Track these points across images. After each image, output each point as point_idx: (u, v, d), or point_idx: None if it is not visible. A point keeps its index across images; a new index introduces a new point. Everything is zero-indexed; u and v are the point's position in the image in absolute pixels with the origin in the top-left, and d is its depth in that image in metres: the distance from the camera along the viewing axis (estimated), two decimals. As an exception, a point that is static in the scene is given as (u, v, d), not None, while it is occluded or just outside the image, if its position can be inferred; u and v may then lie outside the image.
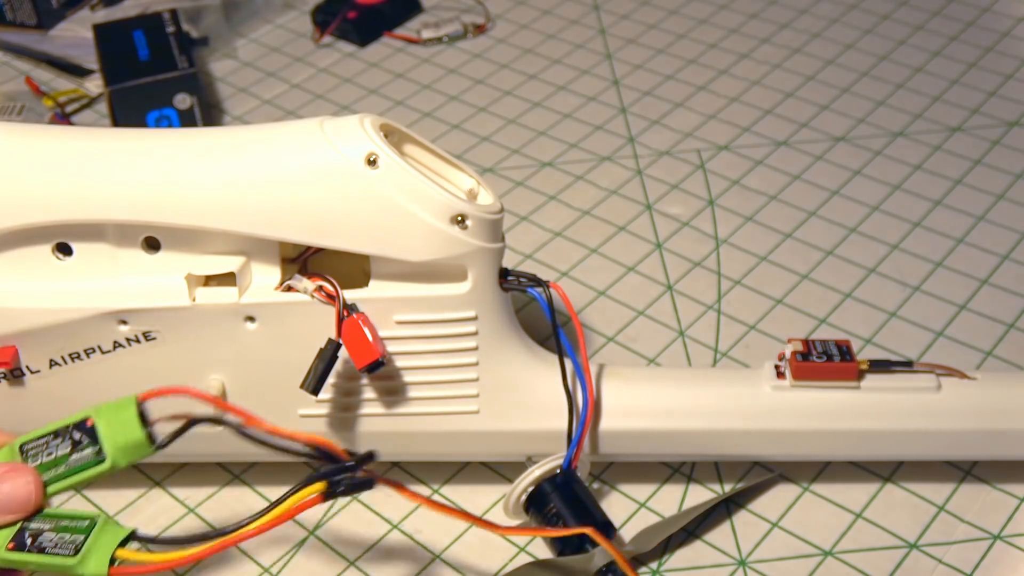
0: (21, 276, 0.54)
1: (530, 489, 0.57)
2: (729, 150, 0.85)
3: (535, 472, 0.56)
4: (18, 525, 0.44)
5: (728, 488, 0.61)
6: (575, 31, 0.99)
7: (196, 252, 0.54)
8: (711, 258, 0.75)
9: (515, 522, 0.58)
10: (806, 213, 0.79)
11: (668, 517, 0.59)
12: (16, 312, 0.54)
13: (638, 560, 0.57)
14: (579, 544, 0.56)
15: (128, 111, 0.84)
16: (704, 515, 0.60)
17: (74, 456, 0.45)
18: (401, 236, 0.52)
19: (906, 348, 0.68)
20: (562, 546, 0.56)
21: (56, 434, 0.45)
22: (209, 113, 0.89)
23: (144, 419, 0.45)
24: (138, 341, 0.54)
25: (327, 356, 0.53)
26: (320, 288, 0.54)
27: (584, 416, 0.56)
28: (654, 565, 0.58)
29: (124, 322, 0.54)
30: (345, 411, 0.56)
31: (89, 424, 0.45)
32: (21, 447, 0.45)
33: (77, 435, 0.45)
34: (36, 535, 0.44)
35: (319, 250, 0.56)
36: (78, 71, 0.95)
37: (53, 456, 0.45)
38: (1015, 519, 0.59)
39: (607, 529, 0.56)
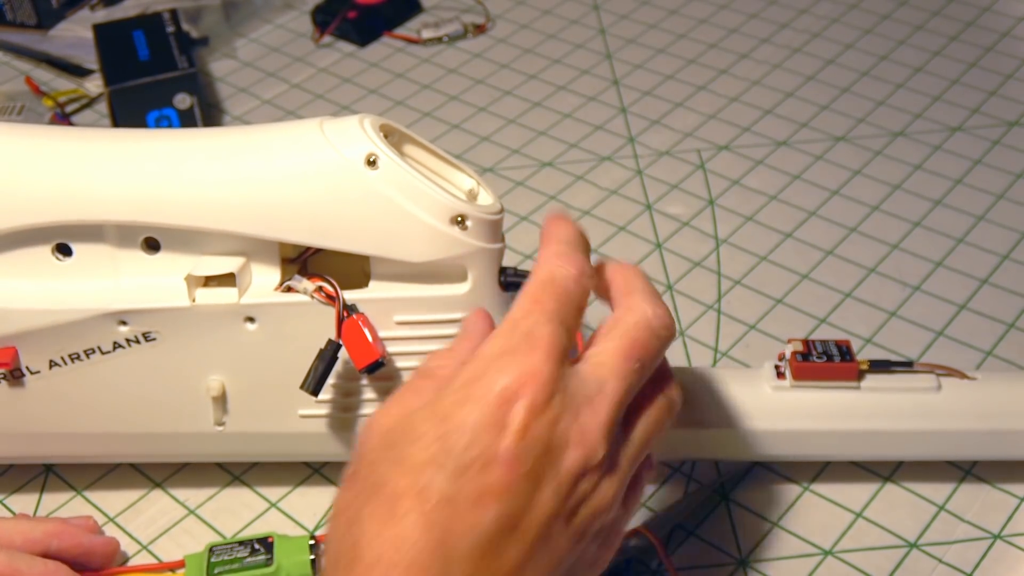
0: (21, 277, 0.54)
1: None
2: (729, 150, 0.85)
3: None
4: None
5: (727, 488, 0.61)
6: (575, 31, 0.99)
7: (196, 253, 0.54)
8: (711, 258, 0.75)
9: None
10: (806, 213, 0.79)
11: (670, 504, 0.59)
12: (16, 313, 0.54)
13: (641, 561, 0.57)
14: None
15: (128, 111, 0.84)
16: (705, 515, 0.60)
17: (248, 559, 0.55)
18: (401, 237, 0.52)
19: (906, 348, 0.68)
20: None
21: (241, 543, 0.56)
22: (209, 113, 0.89)
23: (313, 550, 0.56)
24: (138, 342, 0.54)
25: (327, 357, 0.53)
26: (320, 289, 0.54)
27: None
28: (654, 564, 0.58)
29: (124, 323, 0.54)
30: (345, 411, 0.56)
31: (269, 540, 0.56)
32: (212, 548, 0.56)
33: (257, 546, 0.56)
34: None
35: (319, 251, 0.56)
36: (78, 71, 0.95)
37: (233, 556, 0.55)
38: (1015, 519, 0.59)
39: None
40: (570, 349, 0.42)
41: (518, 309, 0.43)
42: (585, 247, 0.47)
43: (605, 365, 0.43)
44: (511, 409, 0.40)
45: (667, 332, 0.45)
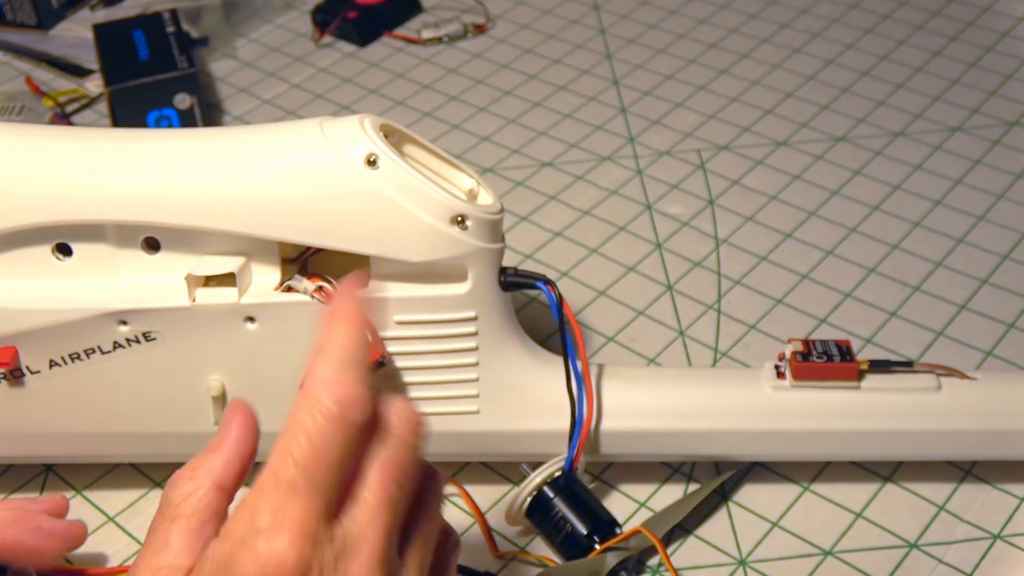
0: (21, 276, 0.54)
1: (532, 495, 0.57)
2: (729, 150, 0.85)
3: (536, 478, 0.56)
4: None
5: (727, 487, 0.61)
6: (575, 31, 0.99)
7: (196, 252, 0.54)
8: (711, 258, 0.75)
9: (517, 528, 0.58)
10: (806, 213, 0.79)
11: (670, 505, 0.59)
12: (16, 312, 0.54)
13: (641, 561, 0.58)
14: (587, 546, 0.56)
15: (128, 111, 0.84)
16: (705, 515, 0.60)
17: None
18: (401, 236, 0.52)
19: (906, 348, 0.68)
20: (571, 550, 0.56)
21: None
22: (209, 113, 0.89)
23: None
24: (138, 341, 0.54)
25: (327, 356, 0.52)
26: (320, 288, 0.54)
27: (582, 418, 0.56)
28: (654, 564, 0.58)
29: (124, 322, 0.54)
30: (345, 411, 0.56)
31: None
32: None
33: None
34: None
35: (319, 250, 0.56)
36: (78, 71, 0.95)
37: None
38: (1015, 519, 0.59)
39: (612, 528, 0.57)
40: (333, 505, 0.38)
41: (267, 473, 0.38)
42: (363, 354, 0.40)
43: (365, 507, 0.39)
44: None
45: (417, 436, 0.41)
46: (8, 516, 0.54)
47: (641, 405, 0.58)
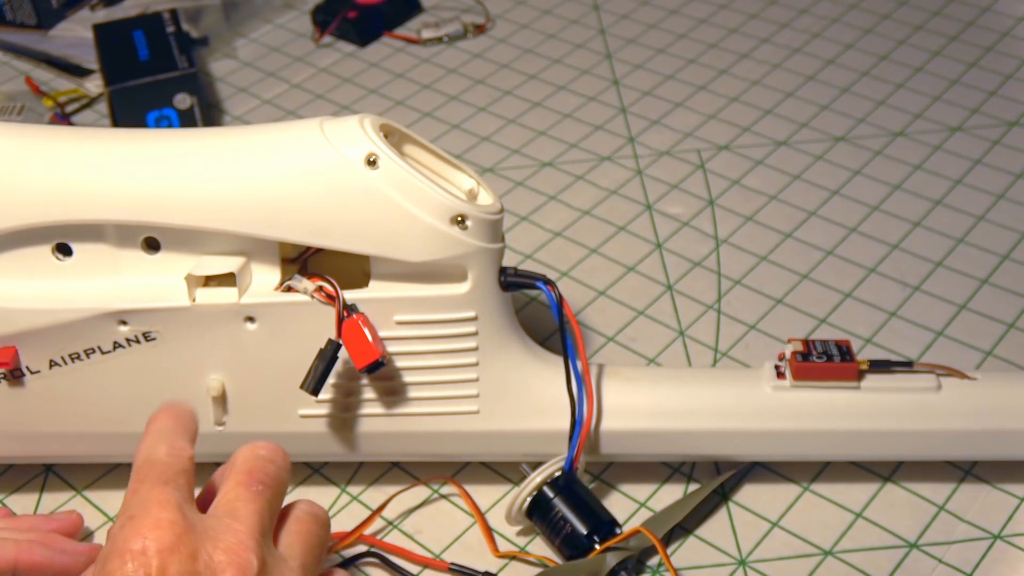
0: (21, 276, 0.54)
1: (532, 495, 0.57)
2: (729, 150, 0.85)
3: (536, 478, 0.56)
4: None
5: (727, 487, 0.61)
6: (575, 31, 0.99)
7: (196, 252, 0.54)
8: (711, 258, 0.75)
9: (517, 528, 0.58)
10: (806, 213, 0.79)
11: (670, 504, 0.59)
12: (16, 312, 0.54)
13: (641, 561, 0.58)
14: (587, 546, 0.56)
15: (128, 111, 0.84)
16: (705, 515, 0.60)
17: None
18: (401, 236, 0.52)
19: (906, 348, 0.68)
20: (571, 550, 0.56)
21: None
22: (209, 113, 0.89)
23: None
24: (138, 341, 0.54)
25: (327, 356, 0.53)
26: (320, 288, 0.54)
27: (582, 418, 0.56)
28: (654, 564, 0.58)
29: (124, 322, 0.54)
30: (345, 411, 0.56)
31: None
32: None
33: None
34: None
35: (319, 250, 0.56)
36: (78, 71, 0.95)
37: None
38: (1015, 519, 0.59)
39: (612, 528, 0.57)
40: (185, 502, 0.45)
41: (127, 493, 0.46)
42: (184, 430, 0.50)
43: (230, 497, 0.47)
44: (146, 561, 0.42)
45: (276, 455, 0.49)
46: (34, 537, 0.53)
47: (641, 405, 0.58)
